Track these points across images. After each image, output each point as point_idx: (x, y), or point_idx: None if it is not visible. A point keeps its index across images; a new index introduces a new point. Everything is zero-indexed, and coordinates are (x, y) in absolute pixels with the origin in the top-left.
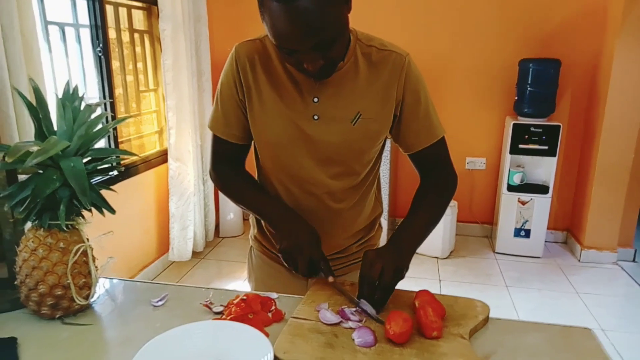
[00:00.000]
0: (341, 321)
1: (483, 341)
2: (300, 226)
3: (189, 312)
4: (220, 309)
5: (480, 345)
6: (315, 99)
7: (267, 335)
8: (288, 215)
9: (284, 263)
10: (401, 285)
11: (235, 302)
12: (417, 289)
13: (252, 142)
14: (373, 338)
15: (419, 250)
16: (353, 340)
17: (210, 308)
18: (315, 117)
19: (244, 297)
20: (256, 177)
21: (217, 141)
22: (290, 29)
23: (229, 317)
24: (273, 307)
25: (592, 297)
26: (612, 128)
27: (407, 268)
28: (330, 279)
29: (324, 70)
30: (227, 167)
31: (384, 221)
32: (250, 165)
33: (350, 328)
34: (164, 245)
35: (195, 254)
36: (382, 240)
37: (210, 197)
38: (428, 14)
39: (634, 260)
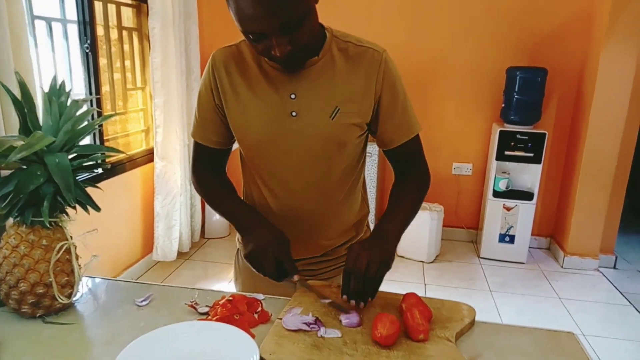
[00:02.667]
0: (300, 329)
1: (469, 344)
2: (265, 229)
3: (174, 312)
4: (206, 309)
5: (467, 348)
6: (293, 95)
7: (253, 336)
8: (255, 221)
9: (253, 269)
10: (386, 288)
11: (221, 302)
12: (402, 292)
13: (236, 147)
14: (358, 319)
15: (404, 253)
16: (340, 321)
17: (195, 308)
18: (294, 114)
19: (230, 298)
20: (242, 183)
21: (195, 145)
22: (254, 9)
23: (214, 318)
24: (259, 308)
25: (574, 303)
26: (596, 136)
27: (392, 258)
28: (295, 277)
29: (293, 58)
30: (206, 170)
31: (371, 224)
32: (235, 170)
33: (322, 337)
34: (148, 244)
35: (180, 254)
36: None
37: (197, 197)
38: (417, 19)
39: (614, 267)
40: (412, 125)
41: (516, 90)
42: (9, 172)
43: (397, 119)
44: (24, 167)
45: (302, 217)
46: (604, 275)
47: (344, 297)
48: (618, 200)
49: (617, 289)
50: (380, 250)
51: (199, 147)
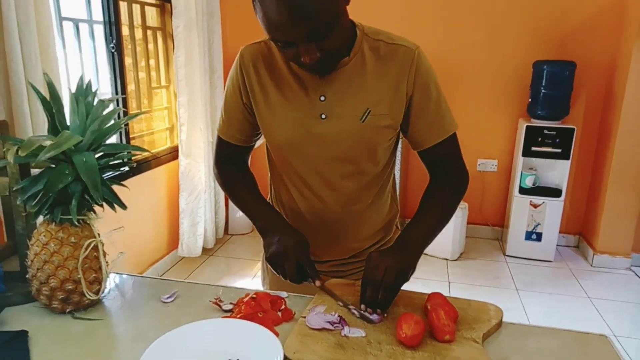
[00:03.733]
0: (323, 328)
1: (496, 346)
2: (286, 233)
3: (199, 309)
4: (230, 306)
5: (494, 350)
6: (322, 98)
7: (276, 334)
8: (275, 223)
9: (274, 271)
10: (411, 287)
11: (245, 300)
12: (426, 291)
13: (260, 143)
14: (379, 318)
15: (428, 251)
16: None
17: (219, 305)
18: (323, 116)
19: (254, 296)
20: (269, 181)
21: (219, 141)
22: (281, 17)
23: (238, 315)
24: (283, 306)
25: (604, 303)
26: (628, 131)
27: (412, 270)
28: (317, 282)
29: (323, 64)
30: (229, 165)
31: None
32: (262, 168)
33: (345, 336)
34: (174, 241)
35: (205, 250)
36: None
37: (221, 194)
38: (442, 13)
39: None
40: (446, 125)
41: (543, 84)
42: (39, 171)
43: (429, 118)
44: (53, 166)
45: (330, 220)
46: (636, 275)
47: (362, 306)
48: None
49: None
50: (399, 260)
51: (223, 144)
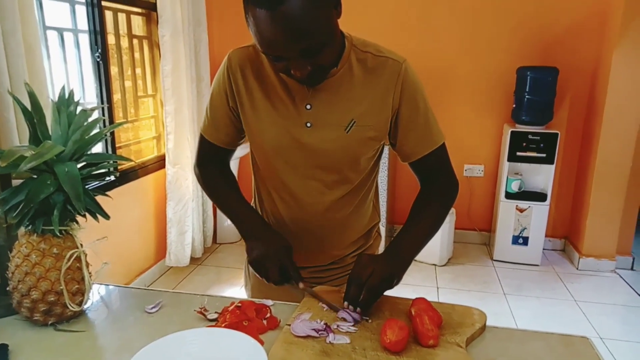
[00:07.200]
0: (308, 335)
1: (481, 349)
2: (269, 236)
3: (184, 318)
4: (215, 315)
5: (479, 354)
6: (308, 106)
7: (261, 342)
8: (259, 227)
9: (256, 274)
10: (398, 292)
11: (230, 309)
12: (414, 296)
13: (244, 153)
14: (357, 315)
15: (416, 257)
16: (343, 319)
17: (204, 315)
18: (308, 125)
19: (239, 304)
20: (252, 187)
21: (203, 141)
22: (275, 35)
23: (223, 324)
24: (268, 314)
25: (591, 306)
26: (610, 135)
27: (399, 278)
28: (301, 285)
29: (313, 77)
30: (211, 165)
31: (382, 228)
32: (249, 174)
33: (330, 343)
34: (161, 250)
35: (193, 259)
36: (381, 249)
37: (209, 202)
38: (426, 21)
39: (632, 269)
40: (434, 136)
41: (527, 90)
42: (20, 181)
43: (418, 130)
44: (35, 176)
45: (311, 227)
46: (621, 277)
47: (345, 303)
48: (634, 199)
49: (635, 291)
50: (388, 268)
51: (207, 144)
